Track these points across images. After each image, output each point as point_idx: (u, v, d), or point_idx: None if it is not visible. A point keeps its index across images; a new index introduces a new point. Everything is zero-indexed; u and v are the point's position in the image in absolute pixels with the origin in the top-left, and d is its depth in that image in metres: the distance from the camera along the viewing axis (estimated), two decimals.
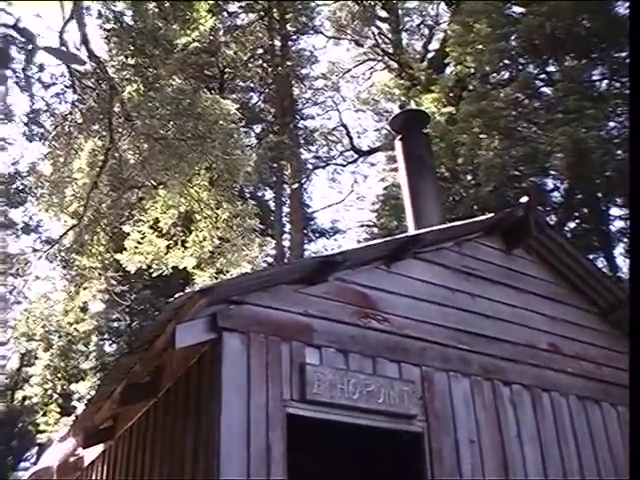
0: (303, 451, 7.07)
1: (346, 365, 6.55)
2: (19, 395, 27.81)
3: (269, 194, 30.20)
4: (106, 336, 20.70)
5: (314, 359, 6.39)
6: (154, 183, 16.03)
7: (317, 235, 30.32)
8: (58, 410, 20.78)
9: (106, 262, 17.41)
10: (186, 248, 16.82)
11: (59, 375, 21.23)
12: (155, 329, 6.22)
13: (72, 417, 9.01)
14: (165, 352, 6.40)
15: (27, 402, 26.24)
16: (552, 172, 20.40)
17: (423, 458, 6.68)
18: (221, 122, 15.50)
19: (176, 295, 6.17)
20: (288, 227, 24.80)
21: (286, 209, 27.61)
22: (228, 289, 6.20)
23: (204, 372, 6.32)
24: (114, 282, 17.55)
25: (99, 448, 9.00)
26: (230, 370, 5.98)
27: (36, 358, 24.76)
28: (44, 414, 22.06)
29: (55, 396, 21.55)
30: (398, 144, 10.31)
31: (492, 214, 8.52)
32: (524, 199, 8.46)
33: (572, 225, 21.33)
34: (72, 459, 9.73)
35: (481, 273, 8.01)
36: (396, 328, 7.01)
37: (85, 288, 17.54)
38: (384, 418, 6.57)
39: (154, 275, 16.62)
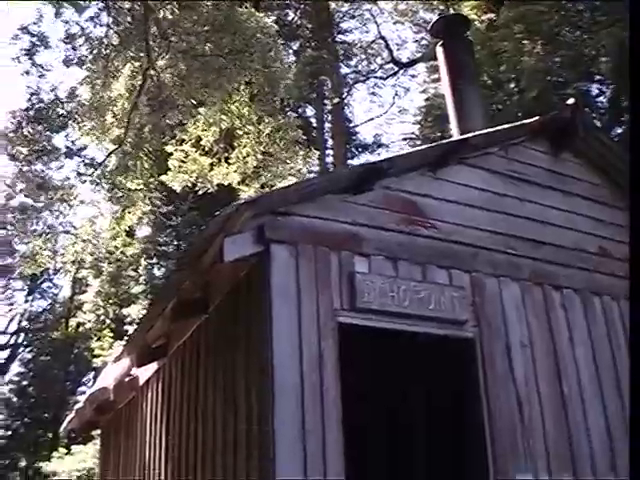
0: (355, 363, 7.13)
1: (395, 272, 6.51)
2: (73, 322, 28.39)
3: (310, 111, 29.90)
4: (154, 260, 20.90)
5: (363, 267, 6.37)
6: (194, 102, 15.90)
7: (360, 150, 29.99)
8: (111, 335, 21.13)
9: (151, 185, 17.46)
10: (230, 164, 16.74)
11: (110, 301, 21.55)
12: (203, 243, 6.20)
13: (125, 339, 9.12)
14: (214, 267, 6.40)
15: (81, 329, 26.74)
16: (597, 77, 19.87)
17: (475, 364, 6.69)
18: (258, 35, 15.25)
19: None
20: (330, 143, 24.56)
21: (328, 125, 27.37)
22: (274, 200, 6.16)
23: (253, 285, 6.33)
24: (159, 203, 17.61)
25: (153, 367, 9.14)
26: (279, 281, 5.98)
27: (87, 285, 25.15)
28: (98, 339, 22.47)
29: (108, 321, 21.91)
30: (439, 50, 10.06)
31: (538, 117, 8.32)
32: (570, 101, 8.26)
33: (619, 131, 20.85)
34: (127, 379, 9.91)
35: (528, 177, 7.87)
36: (444, 234, 6.95)
37: (130, 211, 17.66)
38: (435, 324, 6.56)
39: (199, 193, 16.62)
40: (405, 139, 30.22)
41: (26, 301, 33.17)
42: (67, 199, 17.98)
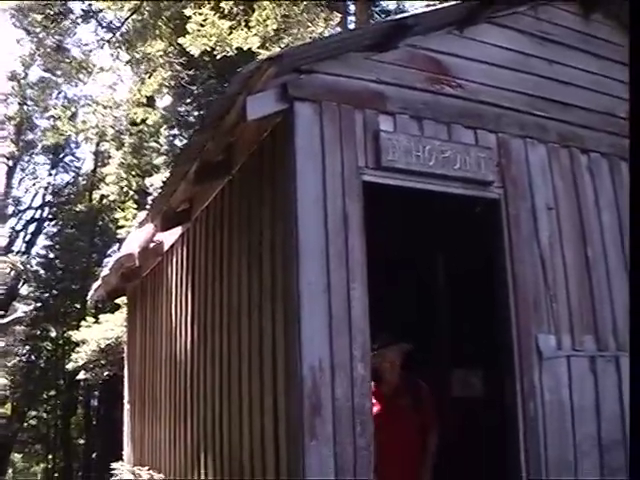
0: (380, 225, 7.12)
1: (420, 132, 6.40)
2: (96, 195, 28.53)
3: None
4: (176, 130, 20.79)
5: (388, 126, 6.25)
6: None
7: (383, 16, 29.20)
8: (135, 206, 21.27)
9: (170, 50, 17.11)
10: (250, 28, 16.33)
11: (133, 173, 21.56)
12: (225, 103, 6.10)
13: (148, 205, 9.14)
14: (237, 127, 6.32)
15: (105, 201, 26.87)
16: None
17: (500, 225, 6.65)
18: None
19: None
20: (352, 8, 23.86)
21: None
22: (297, 57, 5.99)
23: (277, 144, 6.26)
24: (179, 69, 17.34)
25: (177, 232, 9.20)
26: (303, 140, 5.89)
27: (109, 158, 25.14)
28: (122, 210, 22.65)
29: (131, 193, 22.01)
30: None
31: None
32: None
33: None
34: (152, 245, 9.99)
35: (558, 38, 7.60)
36: (471, 94, 6.79)
37: (151, 77, 17.42)
38: (460, 184, 6.49)
39: (219, 60, 16.26)
40: (428, 5, 29.32)
41: (49, 175, 33.35)
42: (86, 66, 17.69)
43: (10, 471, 31.64)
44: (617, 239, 7.23)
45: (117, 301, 17.44)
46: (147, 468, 8.81)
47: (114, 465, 9.09)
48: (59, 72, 22.48)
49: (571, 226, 7.02)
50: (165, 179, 7.95)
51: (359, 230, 5.92)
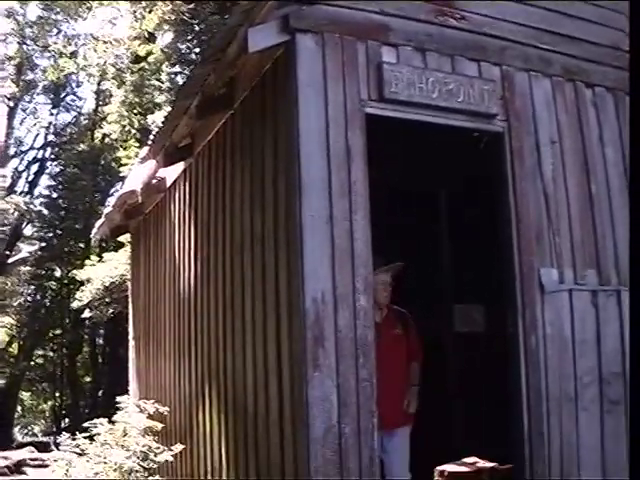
0: (383, 159, 7.11)
1: (424, 64, 6.33)
2: (98, 134, 28.32)
3: None
4: (177, 68, 20.56)
5: (391, 58, 6.17)
6: None
7: None
8: (137, 145, 21.13)
9: None
10: None
11: (135, 111, 21.36)
12: (226, 35, 6.05)
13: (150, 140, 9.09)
14: (238, 59, 6.27)
15: (107, 140, 26.72)
16: None
17: (503, 158, 6.63)
18: None
19: None
20: None
21: None
22: None
23: (279, 77, 6.21)
24: (180, 2, 17.03)
25: (180, 168, 9.18)
26: (305, 72, 5.83)
27: (111, 96, 24.91)
28: (124, 149, 22.52)
29: (133, 131, 21.83)
30: None
31: None
32: None
33: None
34: (154, 181, 9.97)
35: None
36: (474, 26, 6.68)
37: (151, 11, 17.16)
38: (464, 117, 6.44)
39: None
40: None
41: (51, 115, 33.06)
42: (85, 1, 17.38)
43: (19, 409, 32.07)
44: (621, 174, 7.21)
45: (121, 239, 17.44)
46: (152, 401, 8.91)
47: (119, 399, 9.17)
48: (58, 9, 22.22)
49: (575, 160, 7.00)
50: (167, 114, 7.90)
51: (362, 162, 5.90)
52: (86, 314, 21.46)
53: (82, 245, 26.52)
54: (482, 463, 7.44)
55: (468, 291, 9.23)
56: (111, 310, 20.20)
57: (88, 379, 30.98)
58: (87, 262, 21.51)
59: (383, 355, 6.29)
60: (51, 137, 33.21)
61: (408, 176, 9.35)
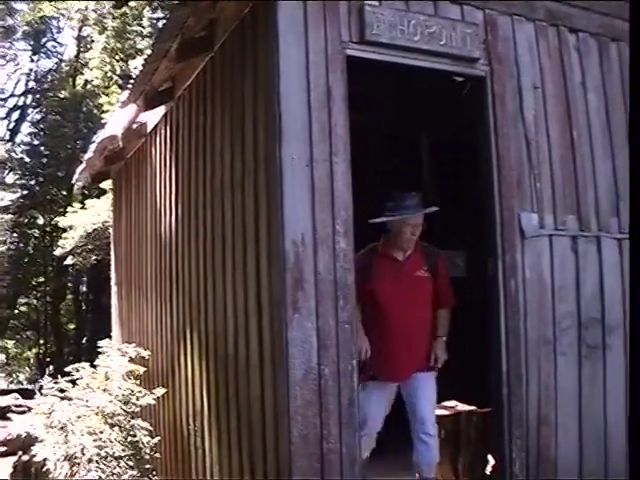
0: (365, 102, 7.05)
1: (406, 6, 6.23)
2: (80, 81, 28.08)
3: None
4: (159, 13, 20.22)
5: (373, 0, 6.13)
6: None
7: None
8: (119, 91, 20.94)
9: None
10: None
11: (116, 57, 21.19)
12: None
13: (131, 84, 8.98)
14: (218, 2, 6.20)
15: (88, 86, 26.52)
16: None
17: (485, 102, 6.59)
18: None
19: None
20: None
21: None
22: None
23: (259, 20, 6.10)
24: None
25: (160, 112, 9.09)
26: (285, 14, 5.72)
27: (92, 42, 24.65)
28: (106, 95, 22.34)
29: (115, 77, 21.66)
30: None
31: None
32: None
33: None
34: (135, 126, 9.89)
35: None
36: None
37: None
38: (446, 60, 6.38)
39: None
40: None
41: (31, 61, 32.69)
42: None
43: (3, 357, 32.17)
44: (603, 121, 7.21)
45: (103, 186, 17.36)
46: (134, 345, 8.94)
47: (101, 343, 9.20)
48: None
49: (557, 105, 6.97)
50: (146, 57, 7.81)
51: (343, 104, 5.84)
52: (69, 261, 21.45)
53: (64, 192, 26.38)
54: (461, 406, 7.55)
55: (450, 236, 9.25)
56: (94, 257, 20.20)
57: (72, 326, 31.06)
58: (69, 209, 21.44)
59: (398, 298, 6.26)
60: (32, 84, 32.84)
61: (395, 121, 9.32)
